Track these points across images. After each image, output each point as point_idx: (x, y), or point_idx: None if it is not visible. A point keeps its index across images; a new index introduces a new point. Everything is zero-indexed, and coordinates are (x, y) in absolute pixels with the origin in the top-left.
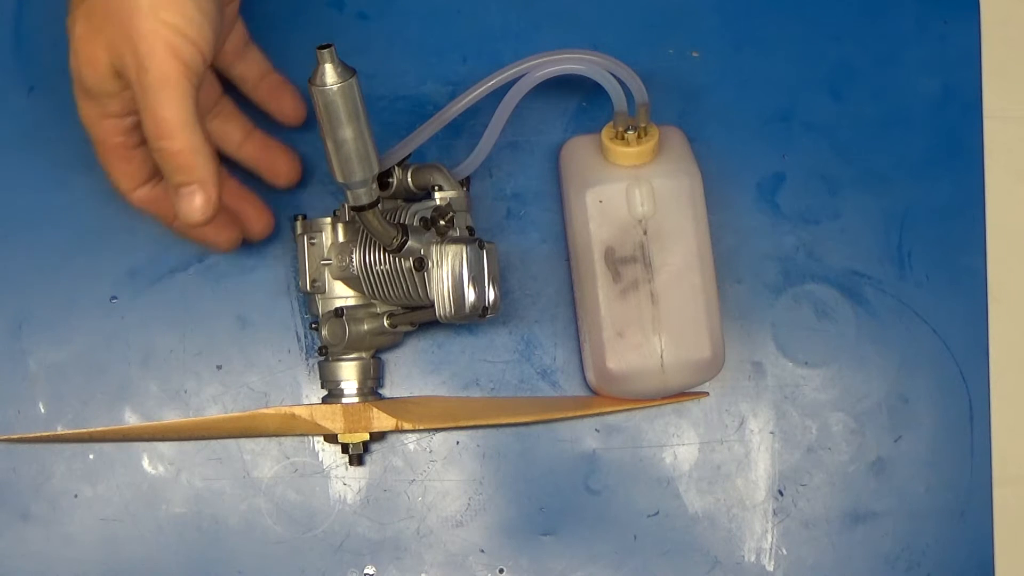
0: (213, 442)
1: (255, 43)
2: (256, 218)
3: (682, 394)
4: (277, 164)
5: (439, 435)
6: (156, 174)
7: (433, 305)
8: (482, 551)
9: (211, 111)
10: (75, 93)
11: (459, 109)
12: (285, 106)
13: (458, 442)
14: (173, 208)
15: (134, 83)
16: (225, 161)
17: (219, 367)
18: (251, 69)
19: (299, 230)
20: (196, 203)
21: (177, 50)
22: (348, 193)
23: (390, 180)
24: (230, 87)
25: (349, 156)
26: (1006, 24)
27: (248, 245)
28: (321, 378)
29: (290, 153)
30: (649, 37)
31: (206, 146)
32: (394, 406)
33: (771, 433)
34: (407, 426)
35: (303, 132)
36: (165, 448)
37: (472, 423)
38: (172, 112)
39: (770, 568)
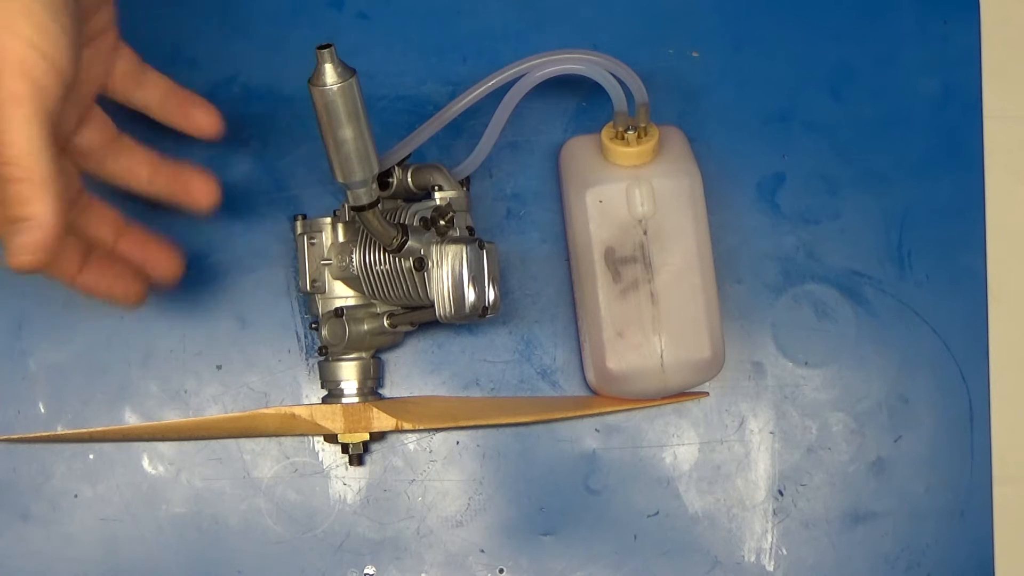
0: (213, 442)
1: (149, 65)
2: (166, 261)
3: (682, 394)
4: (193, 188)
5: (439, 435)
6: (79, 225)
7: (433, 305)
8: (482, 551)
9: (110, 150)
10: None
11: (459, 109)
12: (198, 121)
13: (458, 442)
14: (76, 264)
15: None
16: (132, 202)
17: (219, 367)
18: (152, 93)
19: (299, 230)
20: (28, 241)
21: (28, 68)
22: (348, 193)
23: (390, 180)
24: (139, 119)
25: (349, 156)
26: (1006, 24)
27: (248, 246)
28: (321, 378)
29: (204, 174)
30: (649, 37)
31: (53, 180)
32: (394, 406)
33: (771, 433)
34: (407, 426)
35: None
36: (165, 448)
37: (472, 423)
38: (17, 135)
39: (770, 568)
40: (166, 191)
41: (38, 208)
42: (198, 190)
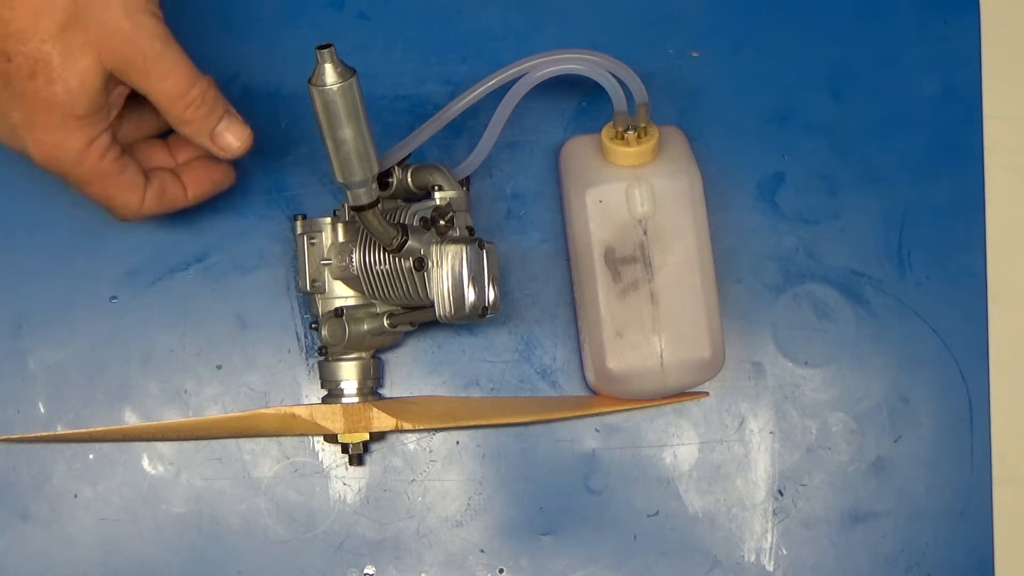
0: (213, 442)
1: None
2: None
3: (682, 394)
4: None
5: (439, 435)
6: (149, 175)
7: (433, 305)
8: (482, 551)
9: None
10: (52, 138)
11: (459, 109)
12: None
13: (458, 442)
14: (176, 186)
15: (137, 68)
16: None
17: (219, 367)
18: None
19: (299, 230)
20: (238, 127)
21: (154, 11)
22: (348, 193)
23: (390, 180)
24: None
25: (349, 156)
26: (1006, 24)
27: (248, 246)
28: (321, 378)
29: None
30: (649, 37)
31: (211, 77)
32: (394, 406)
33: (771, 433)
34: (407, 426)
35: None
36: (165, 448)
37: (472, 423)
38: (185, 61)
39: (770, 568)
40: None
41: (223, 102)
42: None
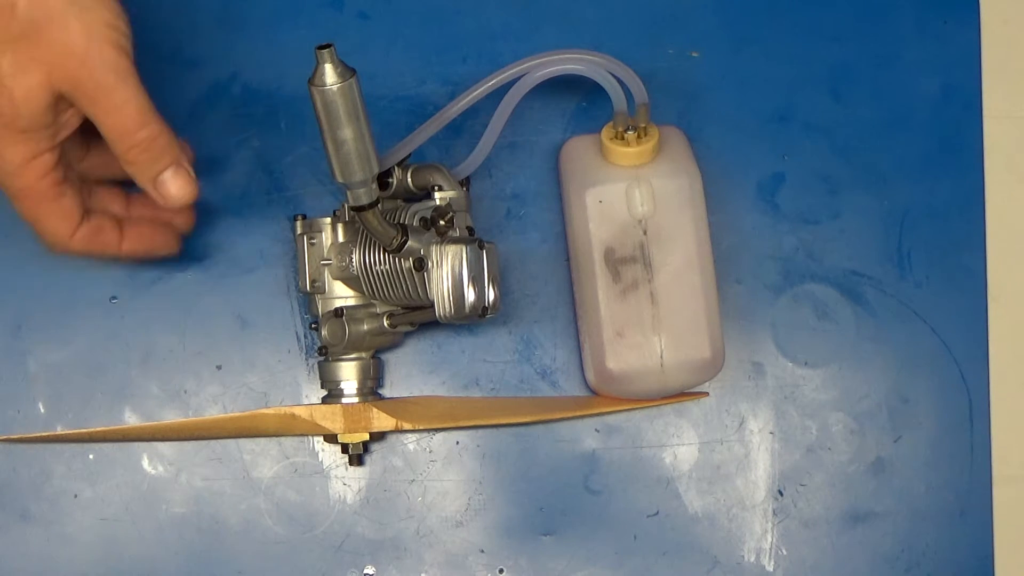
0: (213, 442)
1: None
2: (179, 217)
3: (682, 394)
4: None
5: (439, 435)
6: (87, 208)
7: (433, 305)
8: (482, 551)
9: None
10: None
11: (459, 109)
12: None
13: (458, 442)
14: (114, 232)
15: (87, 95)
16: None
17: (219, 367)
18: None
19: (299, 230)
20: (182, 180)
21: (119, 44)
22: (348, 193)
23: (390, 180)
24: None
25: (349, 156)
26: (1006, 24)
27: (248, 246)
28: (321, 378)
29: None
30: (649, 37)
31: (169, 129)
32: (394, 406)
33: (771, 433)
34: (407, 426)
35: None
36: (165, 448)
37: (472, 423)
38: (139, 101)
39: (770, 568)
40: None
41: (174, 151)
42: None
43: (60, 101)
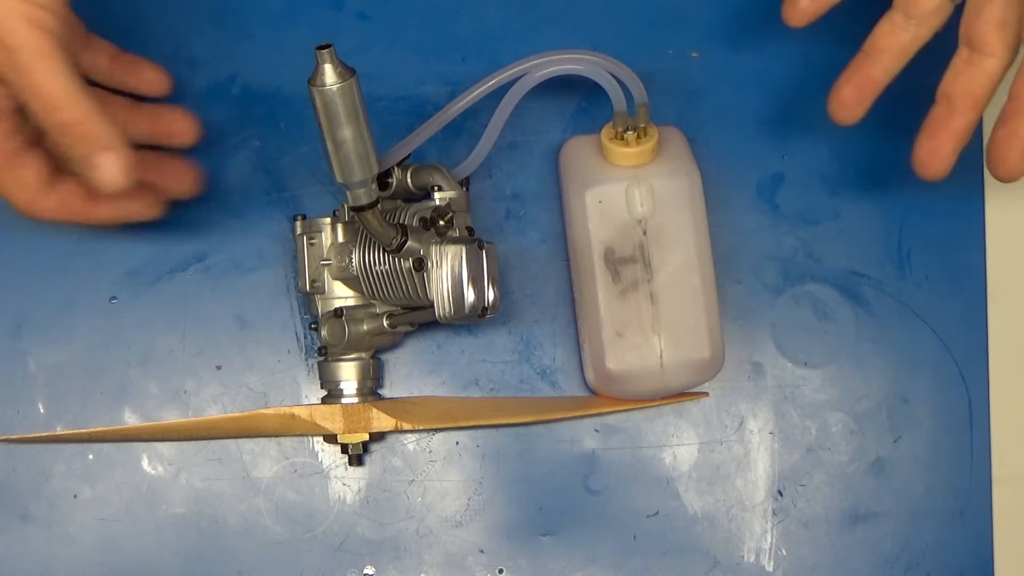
0: (213, 442)
1: (93, 33)
2: (182, 176)
3: (682, 394)
4: (144, 77)
5: (439, 435)
6: (56, 174)
7: (433, 305)
8: (482, 551)
9: (85, 47)
10: None
11: (459, 109)
12: (146, 78)
13: (458, 442)
14: (85, 201)
15: (7, 72)
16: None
17: (219, 367)
18: (100, 57)
19: (299, 230)
20: (111, 167)
21: (37, 21)
22: (348, 193)
23: (390, 180)
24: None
25: (348, 156)
26: None
27: (248, 246)
28: (321, 378)
29: (157, 68)
30: (649, 37)
31: (102, 109)
32: (394, 406)
33: (771, 433)
34: (407, 426)
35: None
36: (165, 448)
37: (472, 423)
38: (55, 84)
39: (770, 568)
40: (120, 83)
41: (103, 137)
42: (151, 77)
43: None
